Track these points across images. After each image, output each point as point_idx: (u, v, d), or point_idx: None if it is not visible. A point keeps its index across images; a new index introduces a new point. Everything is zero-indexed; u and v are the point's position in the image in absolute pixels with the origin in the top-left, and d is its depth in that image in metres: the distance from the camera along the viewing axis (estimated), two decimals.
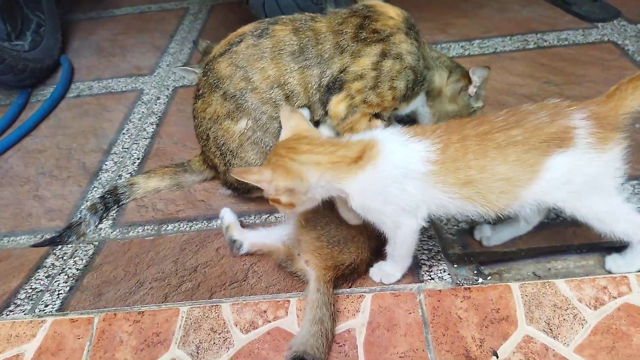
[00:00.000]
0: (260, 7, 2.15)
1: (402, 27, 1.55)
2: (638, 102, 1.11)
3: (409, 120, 1.87)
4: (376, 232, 1.38)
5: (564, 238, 1.45)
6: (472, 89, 1.66)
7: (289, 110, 1.28)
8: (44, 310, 1.46)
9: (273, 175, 1.15)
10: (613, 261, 1.31)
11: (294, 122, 1.25)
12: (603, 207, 1.17)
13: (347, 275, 1.34)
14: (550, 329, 1.22)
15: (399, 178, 1.13)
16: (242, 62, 1.54)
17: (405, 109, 1.69)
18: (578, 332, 1.21)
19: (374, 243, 1.37)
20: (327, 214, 1.36)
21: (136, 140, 2.21)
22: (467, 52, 2.44)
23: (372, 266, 1.37)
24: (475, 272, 1.37)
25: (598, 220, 1.19)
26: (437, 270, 1.37)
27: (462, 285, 1.33)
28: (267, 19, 1.60)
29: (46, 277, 1.58)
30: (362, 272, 1.36)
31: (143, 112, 2.39)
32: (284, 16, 1.60)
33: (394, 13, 1.58)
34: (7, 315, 1.47)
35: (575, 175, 1.12)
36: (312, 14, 1.60)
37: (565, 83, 2.12)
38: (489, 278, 1.35)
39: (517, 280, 1.33)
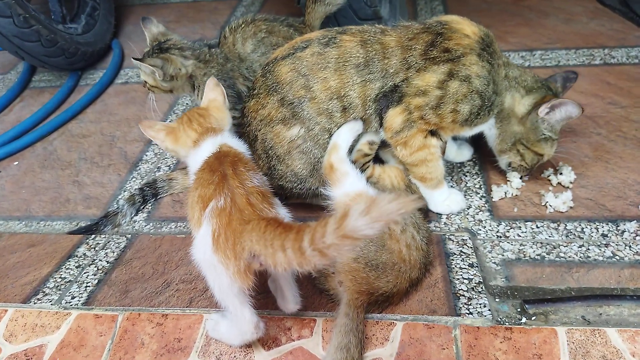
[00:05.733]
0: None
1: (476, 47, 1.44)
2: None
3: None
4: (419, 263, 1.30)
5: (619, 280, 1.33)
6: (542, 109, 1.50)
7: (215, 84, 1.46)
8: (70, 303, 1.45)
9: (165, 137, 1.37)
10: None
11: (212, 96, 1.44)
12: None
13: (380, 303, 1.27)
14: None
15: None
16: (305, 69, 1.48)
17: (467, 133, 1.58)
18: None
19: (416, 274, 1.29)
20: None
21: None
22: (527, 63, 2.30)
23: (408, 298, 1.28)
24: (519, 309, 1.27)
25: None
26: (477, 304, 1.28)
27: (504, 323, 1.23)
28: (335, 28, 1.54)
29: (76, 267, 1.58)
30: (395, 302, 1.29)
31: (187, 104, 2.37)
32: (353, 26, 1.52)
33: (470, 31, 1.46)
34: (34, 303, 1.47)
35: None
36: (382, 27, 1.50)
37: (632, 106, 1.97)
38: (533, 318, 1.25)
39: (564, 324, 1.23)
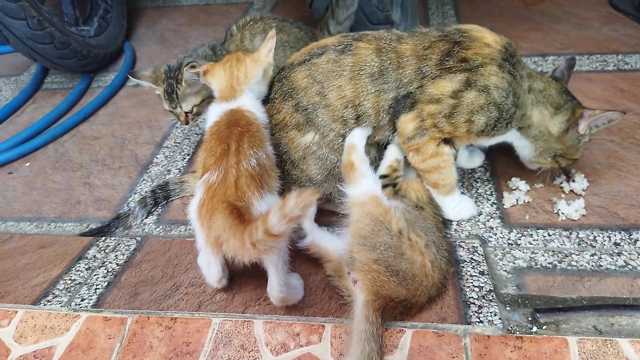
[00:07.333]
0: (323, 11, 2.08)
1: (497, 57, 1.41)
2: None
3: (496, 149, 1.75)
4: (439, 282, 1.29)
5: (631, 290, 1.31)
6: (583, 127, 1.48)
7: (270, 35, 1.49)
8: (79, 305, 1.45)
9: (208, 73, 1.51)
10: None
11: (264, 45, 1.50)
12: None
13: (397, 315, 1.24)
14: None
15: None
16: (320, 76, 1.48)
17: (486, 143, 1.57)
18: None
19: (434, 292, 1.28)
20: (386, 240, 1.27)
21: (188, 136, 2.20)
22: (540, 69, 2.28)
23: (421, 313, 1.27)
24: (530, 318, 1.26)
25: None
26: (488, 312, 1.27)
27: (514, 332, 1.22)
28: (351, 34, 1.54)
29: (86, 269, 1.58)
30: (412, 315, 1.27)
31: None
32: (369, 32, 1.52)
33: (491, 39, 1.43)
34: (44, 305, 1.47)
35: None
36: (399, 33, 1.49)
37: None
38: (544, 328, 1.23)
39: (576, 333, 1.21)
